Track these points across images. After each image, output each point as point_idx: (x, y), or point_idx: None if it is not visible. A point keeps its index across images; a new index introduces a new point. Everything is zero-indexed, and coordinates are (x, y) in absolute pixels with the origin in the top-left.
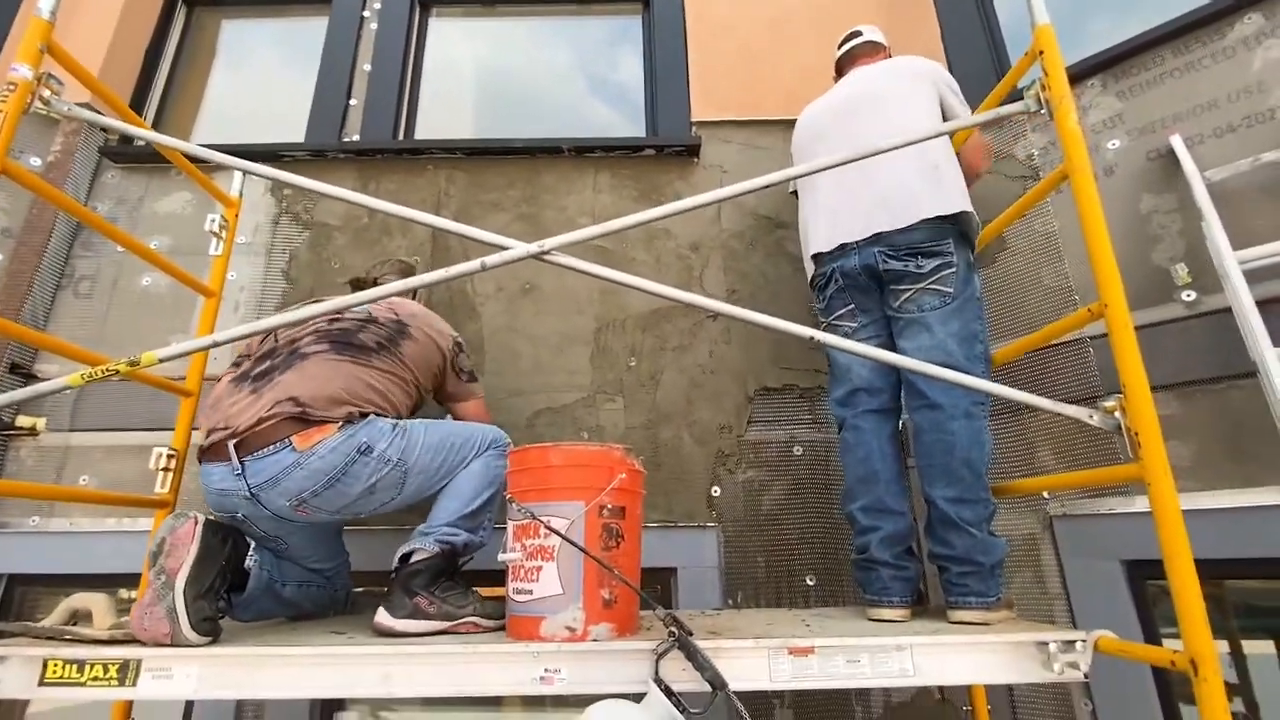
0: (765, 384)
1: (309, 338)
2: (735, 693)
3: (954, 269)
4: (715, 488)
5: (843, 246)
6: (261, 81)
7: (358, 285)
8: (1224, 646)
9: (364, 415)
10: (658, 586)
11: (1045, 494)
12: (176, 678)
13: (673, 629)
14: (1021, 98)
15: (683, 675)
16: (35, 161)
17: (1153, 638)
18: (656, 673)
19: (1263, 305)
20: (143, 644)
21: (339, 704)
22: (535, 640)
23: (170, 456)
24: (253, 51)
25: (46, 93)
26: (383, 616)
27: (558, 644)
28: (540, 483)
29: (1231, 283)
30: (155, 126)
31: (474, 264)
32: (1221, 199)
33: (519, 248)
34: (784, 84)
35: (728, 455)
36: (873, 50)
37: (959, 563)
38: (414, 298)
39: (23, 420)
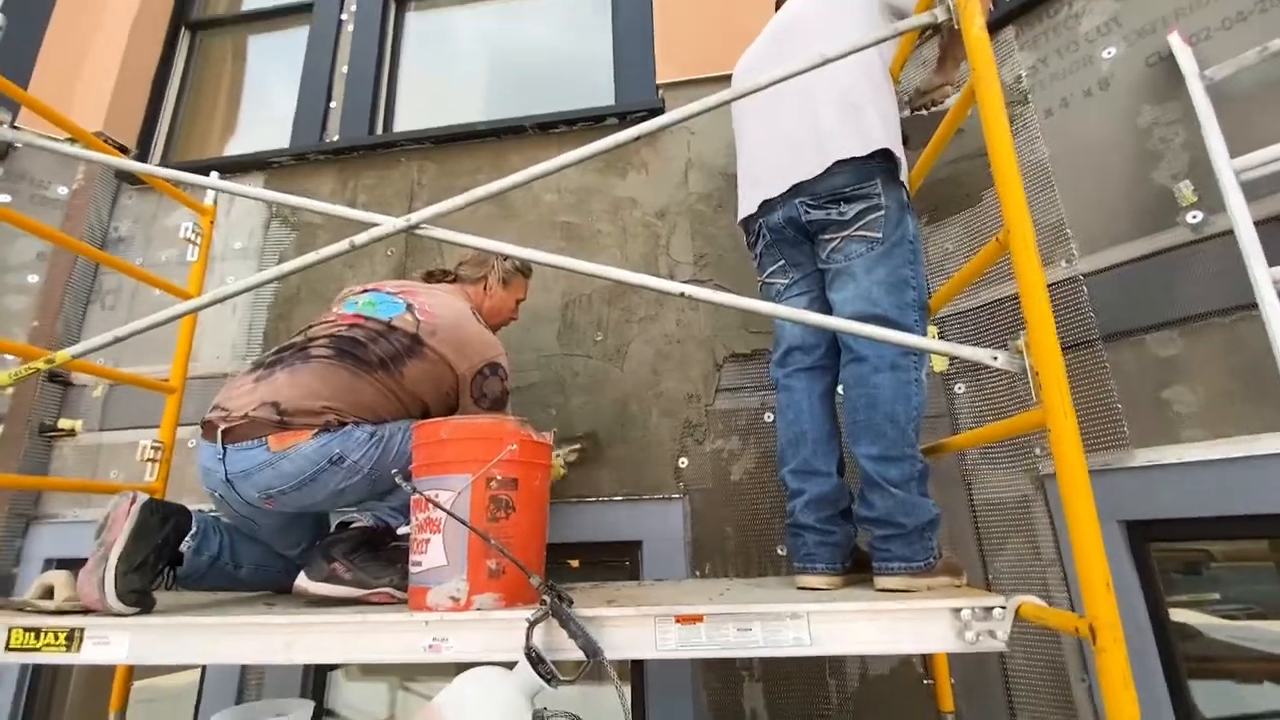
0: (734, 350)
1: (324, 340)
2: (612, 660)
3: (882, 211)
4: (683, 459)
5: (766, 203)
6: (263, 93)
7: (430, 278)
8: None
9: (343, 424)
10: (626, 560)
11: (1038, 450)
12: (113, 644)
13: (544, 596)
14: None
15: (570, 644)
16: (63, 190)
17: (1157, 606)
18: (529, 640)
19: (1270, 222)
20: (86, 609)
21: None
22: (423, 610)
23: (156, 448)
24: (254, 65)
25: None
26: (301, 579)
27: (441, 614)
28: (433, 457)
29: (1228, 196)
30: (169, 143)
31: (343, 244)
32: (1227, 101)
33: (387, 223)
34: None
35: (695, 425)
36: None
37: (880, 525)
38: (482, 291)
39: (63, 423)
